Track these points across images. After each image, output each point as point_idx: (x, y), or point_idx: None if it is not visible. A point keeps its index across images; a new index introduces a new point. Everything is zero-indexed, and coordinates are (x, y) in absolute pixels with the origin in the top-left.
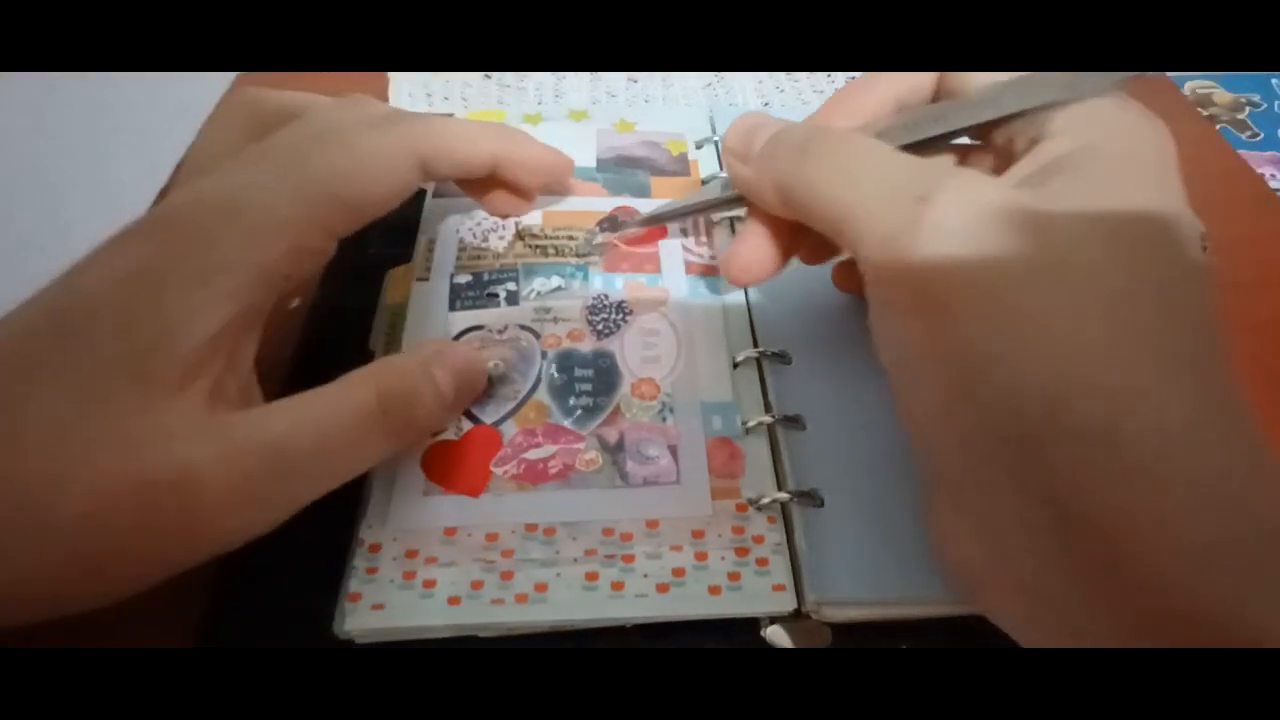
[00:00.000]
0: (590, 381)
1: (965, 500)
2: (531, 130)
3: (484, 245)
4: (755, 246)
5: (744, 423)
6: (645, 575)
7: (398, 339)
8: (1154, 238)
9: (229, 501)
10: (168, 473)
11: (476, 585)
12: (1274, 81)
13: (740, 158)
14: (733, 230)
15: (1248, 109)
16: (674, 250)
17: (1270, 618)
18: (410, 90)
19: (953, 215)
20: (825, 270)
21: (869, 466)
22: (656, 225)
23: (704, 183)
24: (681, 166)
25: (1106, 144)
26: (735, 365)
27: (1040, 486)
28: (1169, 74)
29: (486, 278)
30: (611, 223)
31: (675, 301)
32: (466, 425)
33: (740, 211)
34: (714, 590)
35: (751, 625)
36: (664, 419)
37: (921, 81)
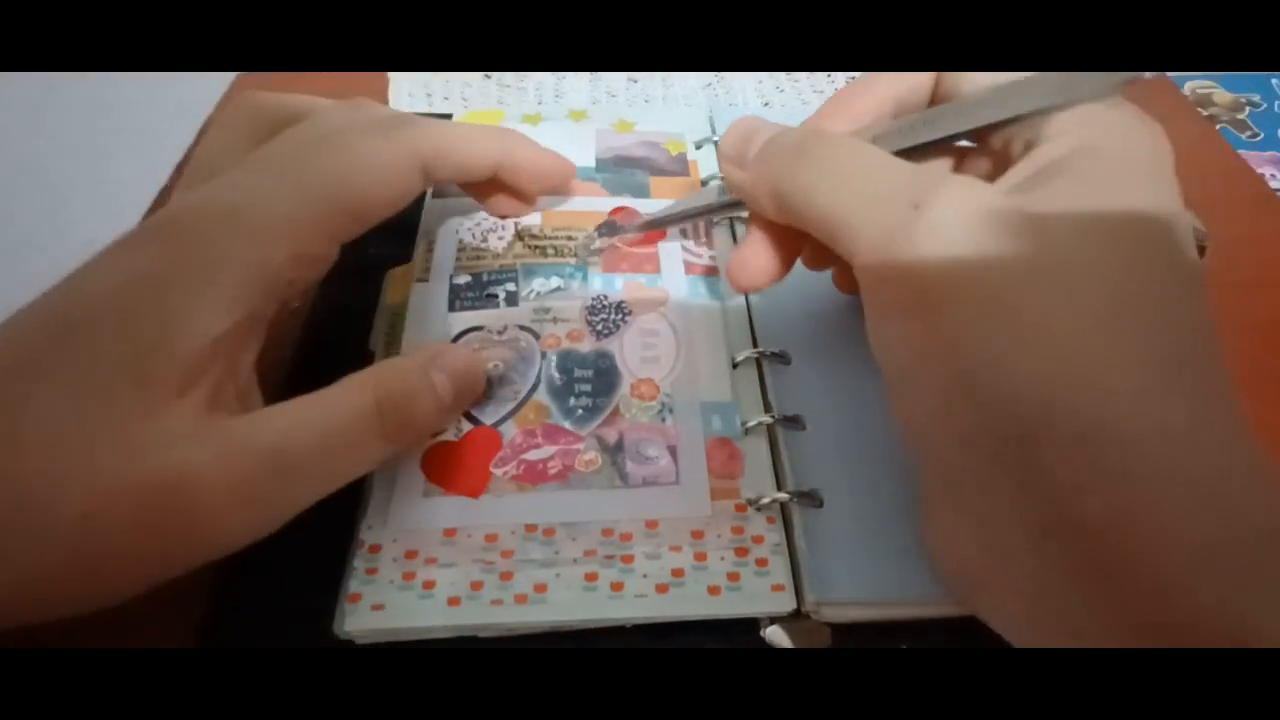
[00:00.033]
0: (590, 382)
1: (963, 502)
2: (531, 130)
3: (483, 246)
4: (758, 253)
5: (743, 423)
6: (645, 576)
7: (397, 339)
8: (1149, 239)
9: (229, 504)
10: (167, 475)
11: (476, 586)
12: (1274, 81)
13: (736, 163)
14: (733, 230)
15: (1248, 109)
16: (673, 251)
17: (1268, 618)
18: (410, 90)
19: (947, 220)
20: (825, 271)
21: (869, 466)
22: (654, 230)
23: (703, 183)
24: (681, 167)
25: (1102, 147)
26: (735, 365)
27: (1038, 488)
28: (1169, 74)
29: (486, 278)
30: (610, 227)
31: (675, 302)
32: (466, 426)
33: (741, 213)
34: (713, 590)
35: (751, 625)
36: (663, 419)
37: (918, 84)
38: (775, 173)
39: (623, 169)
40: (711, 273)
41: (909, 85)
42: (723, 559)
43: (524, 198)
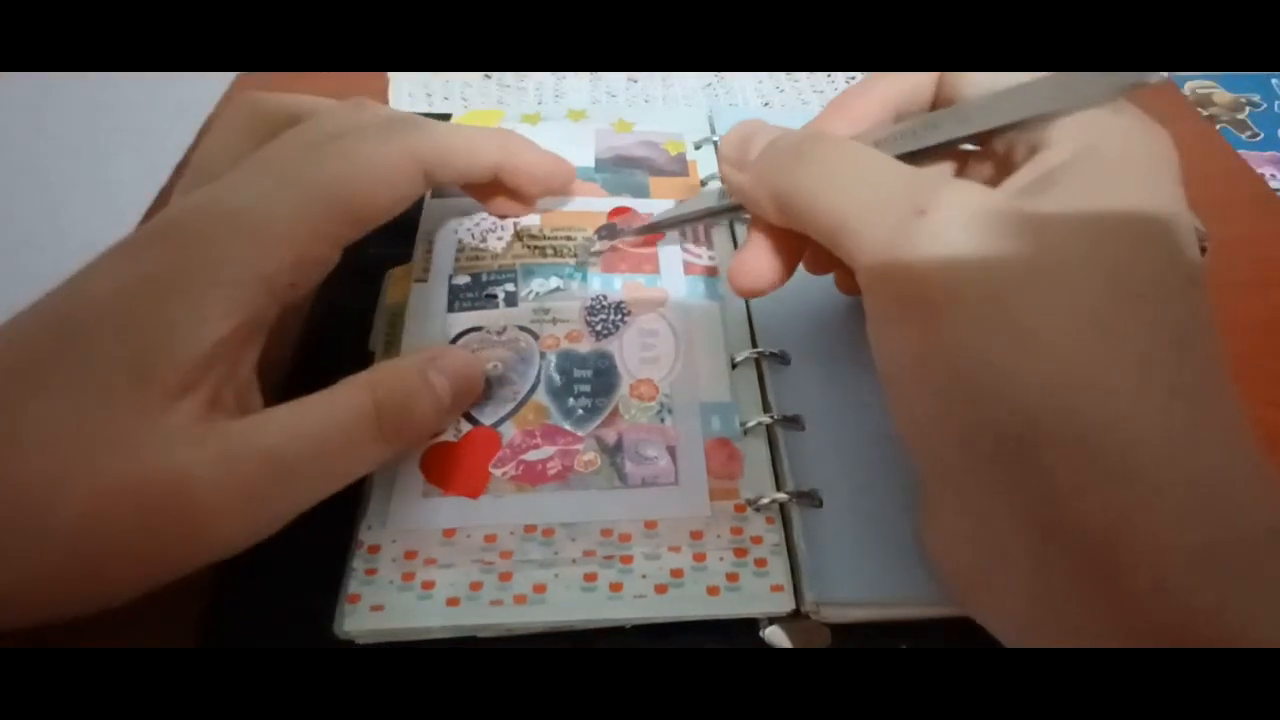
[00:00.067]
0: (589, 382)
1: (962, 503)
2: (530, 130)
3: (482, 246)
4: (760, 258)
5: (743, 423)
6: (644, 576)
7: (397, 340)
8: (1148, 239)
9: (228, 507)
10: (167, 478)
11: (475, 586)
12: (1274, 81)
13: (736, 166)
14: (732, 231)
15: (1248, 109)
16: (672, 251)
17: (1267, 619)
18: (410, 90)
19: (949, 224)
20: (826, 275)
21: (868, 467)
22: (655, 233)
23: (702, 183)
24: (680, 167)
25: (1105, 152)
26: (734, 365)
27: (1037, 488)
28: (1169, 74)
29: (485, 279)
30: (610, 230)
31: (674, 302)
32: (465, 427)
33: (742, 215)
34: (712, 591)
35: (750, 626)
36: (662, 420)
37: (920, 88)
38: (776, 176)
39: (622, 169)
40: (711, 273)
41: (910, 88)
42: (722, 559)
43: (523, 200)
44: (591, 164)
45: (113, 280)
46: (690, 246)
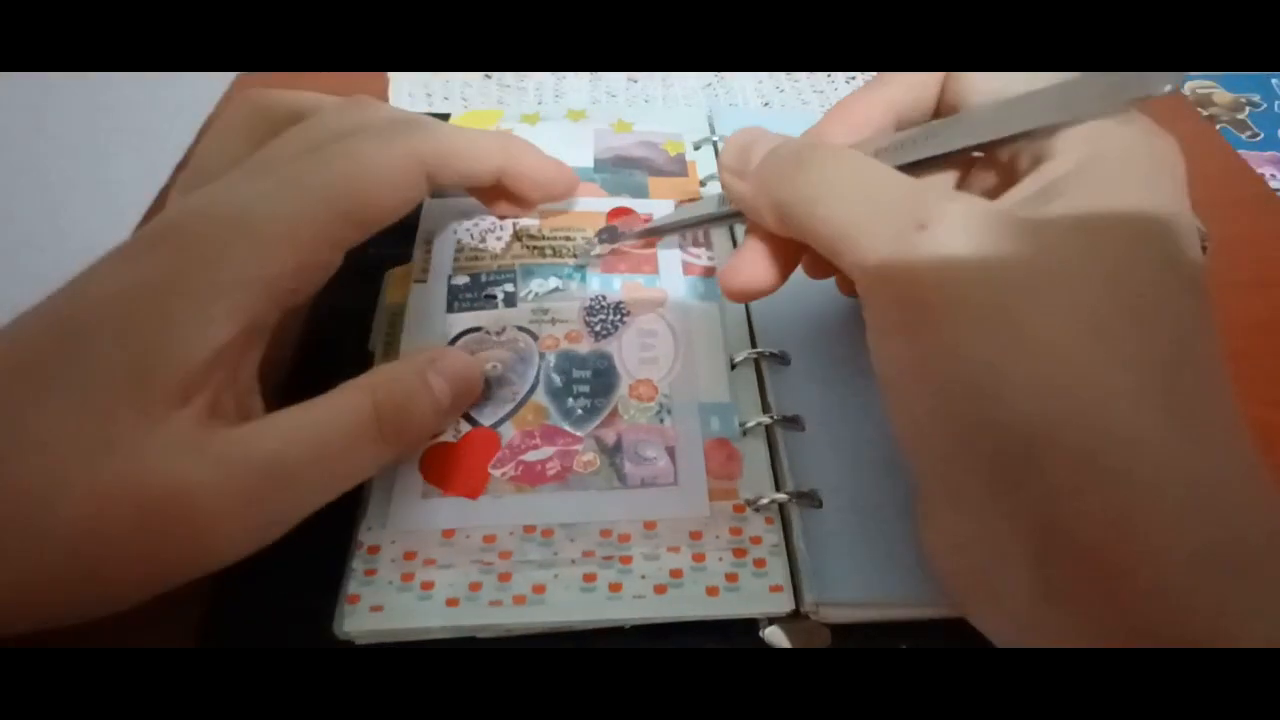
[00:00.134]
0: (588, 383)
1: (961, 505)
2: (529, 130)
3: (482, 246)
4: (754, 263)
5: (742, 424)
6: (643, 576)
7: (396, 340)
8: (1147, 241)
9: (228, 514)
10: (167, 484)
11: (475, 587)
12: (1274, 81)
13: (736, 174)
14: (731, 232)
15: (1248, 109)
16: (672, 251)
17: (1267, 621)
18: (410, 90)
19: (951, 238)
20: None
21: (868, 467)
22: (655, 237)
23: (702, 184)
24: (679, 167)
25: (1108, 160)
26: (733, 366)
27: (1036, 490)
28: (1178, 84)
29: (484, 279)
30: (610, 234)
31: (673, 302)
32: (465, 427)
33: (742, 221)
34: (712, 591)
35: (750, 626)
36: (662, 420)
37: (922, 95)
38: (776, 185)
39: (621, 169)
40: (710, 273)
41: (913, 94)
42: (721, 560)
43: (524, 204)
44: (591, 164)
45: (114, 284)
46: (690, 247)
